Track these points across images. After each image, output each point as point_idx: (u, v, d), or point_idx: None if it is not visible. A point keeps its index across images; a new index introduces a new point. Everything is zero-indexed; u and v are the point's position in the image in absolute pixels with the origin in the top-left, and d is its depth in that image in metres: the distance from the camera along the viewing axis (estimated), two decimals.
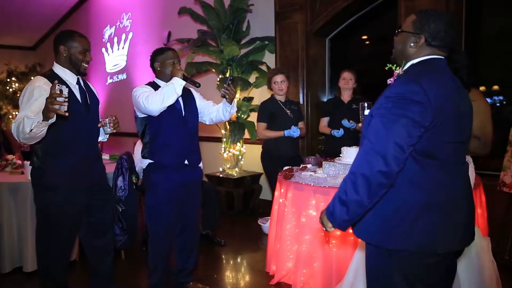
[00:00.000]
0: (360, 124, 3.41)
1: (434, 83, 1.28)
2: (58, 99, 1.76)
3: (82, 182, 2.22)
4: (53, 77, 2.12)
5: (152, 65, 2.48)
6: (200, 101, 2.61)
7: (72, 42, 2.17)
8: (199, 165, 2.58)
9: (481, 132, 1.99)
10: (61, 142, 2.15)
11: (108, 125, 2.25)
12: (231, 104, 2.49)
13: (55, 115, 1.81)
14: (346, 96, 3.60)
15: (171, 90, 2.23)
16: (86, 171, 2.24)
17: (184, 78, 2.28)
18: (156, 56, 2.45)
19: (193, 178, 2.53)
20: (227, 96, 2.43)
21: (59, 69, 2.19)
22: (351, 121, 3.37)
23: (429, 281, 1.33)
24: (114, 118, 2.27)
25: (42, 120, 1.82)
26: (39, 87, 2.04)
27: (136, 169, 3.26)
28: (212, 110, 2.58)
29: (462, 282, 1.96)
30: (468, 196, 1.39)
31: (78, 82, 2.24)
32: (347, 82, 3.54)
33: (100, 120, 2.30)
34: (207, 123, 2.66)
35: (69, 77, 2.20)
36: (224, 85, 2.42)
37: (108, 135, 2.42)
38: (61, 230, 2.19)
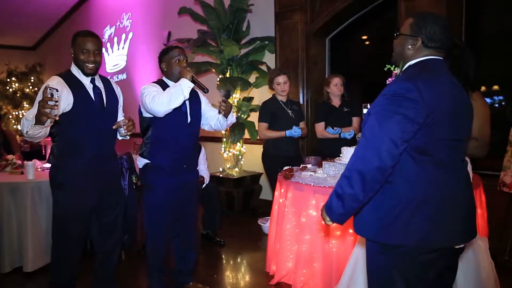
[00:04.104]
0: (349, 128, 3.44)
1: (429, 82, 1.32)
2: (49, 102, 1.76)
3: (95, 181, 2.24)
4: (68, 77, 2.17)
5: (160, 66, 2.44)
6: (206, 106, 2.55)
7: (75, 43, 2.18)
8: (197, 168, 2.58)
9: (479, 133, 1.99)
10: (75, 141, 2.18)
11: (122, 127, 2.22)
12: (226, 118, 2.46)
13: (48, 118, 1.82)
14: (336, 101, 3.56)
15: (178, 92, 2.17)
16: (99, 170, 2.25)
17: (193, 80, 2.22)
18: (161, 57, 2.41)
19: (190, 180, 2.51)
20: (222, 112, 2.39)
21: (74, 70, 2.23)
22: (335, 128, 3.36)
23: (427, 278, 1.34)
24: (127, 120, 2.24)
25: (35, 124, 1.84)
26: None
27: None
28: (213, 117, 2.54)
29: (459, 282, 1.96)
30: (467, 193, 1.40)
31: (92, 81, 2.24)
32: (339, 88, 3.49)
33: (117, 121, 2.28)
34: (206, 129, 2.62)
35: (83, 78, 2.22)
36: (222, 99, 2.38)
37: (129, 134, 2.33)
38: (72, 228, 2.22)
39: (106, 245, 2.41)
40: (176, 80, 2.30)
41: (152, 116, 2.32)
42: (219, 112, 2.42)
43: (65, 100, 2.09)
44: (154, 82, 2.41)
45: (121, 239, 2.56)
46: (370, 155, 1.29)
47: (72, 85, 2.15)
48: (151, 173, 2.38)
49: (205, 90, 2.27)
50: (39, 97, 2.03)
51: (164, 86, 2.35)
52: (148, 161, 2.38)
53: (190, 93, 2.22)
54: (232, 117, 2.53)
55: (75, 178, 2.17)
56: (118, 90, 2.43)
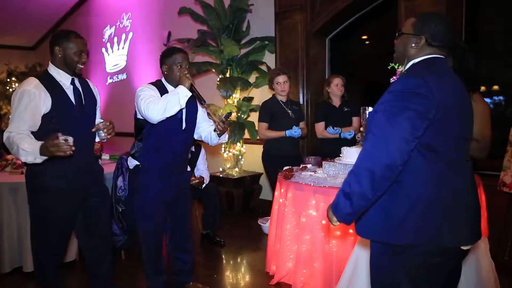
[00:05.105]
0: (350, 128, 3.46)
1: (436, 78, 1.31)
2: (64, 147, 1.80)
3: (76, 183, 2.18)
4: (47, 79, 2.11)
5: (160, 67, 2.38)
6: (201, 114, 2.52)
7: (67, 43, 2.12)
8: (188, 170, 2.58)
9: (480, 134, 1.99)
10: None
11: (102, 130, 2.18)
12: (220, 137, 2.44)
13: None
14: (336, 100, 3.56)
15: (175, 101, 2.12)
16: (80, 173, 2.20)
17: (191, 89, 2.18)
18: (163, 59, 2.34)
19: (181, 181, 2.49)
20: (218, 132, 2.37)
21: (53, 70, 2.15)
22: (335, 127, 3.36)
23: (436, 281, 1.33)
24: (108, 123, 2.19)
25: (37, 157, 1.87)
26: (28, 92, 2.00)
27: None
28: (205, 129, 2.51)
29: (460, 283, 1.96)
30: (473, 193, 1.39)
31: (72, 82, 2.19)
32: (340, 89, 3.50)
33: (97, 124, 2.24)
34: (196, 138, 2.56)
35: (63, 78, 2.15)
36: (222, 119, 2.35)
37: (108, 137, 2.33)
38: (53, 231, 2.17)
39: (92, 246, 2.36)
40: (175, 85, 2.26)
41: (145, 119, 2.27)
42: (214, 130, 2.39)
43: (43, 104, 2.04)
44: (151, 83, 2.35)
45: (109, 242, 2.51)
46: (379, 152, 1.25)
47: (50, 87, 2.08)
48: (141, 175, 2.34)
49: (202, 102, 2.24)
50: (24, 103, 1.98)
51: (163, 89, 2.31)
52: (139, 163, 2.35)
53: (187, 100, 2.19)
54: (225, 138, 2.49)
55: (54, 181, 2.11)
56: (95, 91, 2.38)
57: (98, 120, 2.36)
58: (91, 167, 2.33)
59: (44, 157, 1.89)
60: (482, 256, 2.08)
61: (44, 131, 2.02)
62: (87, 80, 2.37)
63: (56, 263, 2.26)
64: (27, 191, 2.18)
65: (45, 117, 2.05)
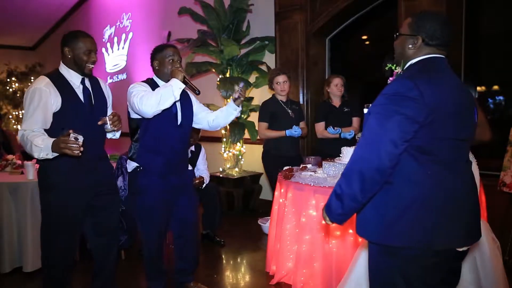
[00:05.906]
0: (350, 128, 3.46)
1: (431, 80, 1.31)
2: (73, 145, 1.83)
3: (85, 182, 2.21)
4: (57, 77, 2.15)
5: (151, 64, 2.38)
6: (197, 105, 2.51)
7: (76, 43, 2.15)
8: (189, 169, 2.57)
9: None
10: None
11: (107, 122, 2.18)
12: (239, 106, 2.41)
13: None
14: (336, 100, 3.57)
15: (169, 93, 2.10)
16: (89, 171, 2.22)
17: (184, 81, 2.17)
18: (154, 54, 2.35)
19: (182, 181, 2.47)
20: (241, 98, 2.34)
21: (64, 70, 2.19)
22: (335, 128, 3.37)
23: (431, 282, 1.33)
24: (112, 116, 2.20)
25: (49, 153, 1.92)
26: (39, 90, 2.04)
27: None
28: (205, 116, 2.49)
29: (475, 280, 2.00)
30: (471, 194, 1.38)
31: (82, 82, 2.22)
32: (339, 89, 3.50)
33: (101, 117, 2.23)
34: (202, 127, 2.57)
35: (74, 78, 2.19)
36: (240, 87, 2.33)
37: (119, 133, 2.36)
38: (63, 230, 2.20)
39: (100, 245, 2.38)
40: (167, 80, 2.25)
41: (140, 117, 2.25)
42: (235, 100, 2.36)
43: (54, 102, 2.08)
44: (143, 81, 2.34)
45: (117, 239, 2.53)
46: (369, 155, 1.28)
47: (60, 86, 2.12)
48: (141, 177, 2.32)
49: (196, 92, 2.23)
50: (36, 102, 2.02)
51: (154, 86, 2.30)
52: (138, 164, 2.33)
53: (180, 94, 2.17)
54: (238, 111, 2.45)
55: (65, 179, 2.14)
56: (106, 89, 2.39)
57: None
58: (102, 165, 2.34)
59: (56, 153, 1.92)
60: (495, 256, 2.10)
61: (55, 129, 2.07)
62: (99, 79, 2.39)
63: (66, 263, 2.27)
64: (39, 189, 2.23)
65: (55, 115, 2.10)
